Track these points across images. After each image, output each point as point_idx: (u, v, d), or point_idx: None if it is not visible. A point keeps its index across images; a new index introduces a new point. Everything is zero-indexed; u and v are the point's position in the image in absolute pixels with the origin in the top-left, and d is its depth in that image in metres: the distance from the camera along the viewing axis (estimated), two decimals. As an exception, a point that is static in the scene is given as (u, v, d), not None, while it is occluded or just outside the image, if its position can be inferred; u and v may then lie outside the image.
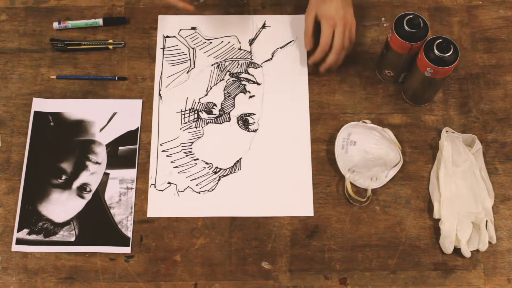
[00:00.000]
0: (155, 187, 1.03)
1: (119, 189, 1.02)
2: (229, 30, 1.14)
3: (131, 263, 0.98)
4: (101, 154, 1.04)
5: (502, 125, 1.07)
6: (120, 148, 1.05)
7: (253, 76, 1.11)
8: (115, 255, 0.99)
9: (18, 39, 1.13)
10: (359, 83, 1.10)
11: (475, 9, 1.16)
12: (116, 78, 1.10)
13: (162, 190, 1.03)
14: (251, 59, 1.12)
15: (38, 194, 1.02)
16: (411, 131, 1.07)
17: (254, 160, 1.05)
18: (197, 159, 1.05)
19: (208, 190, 1.03)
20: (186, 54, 1.12)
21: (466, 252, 0.97)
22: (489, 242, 0.98)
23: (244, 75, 1.11)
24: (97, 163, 1.04)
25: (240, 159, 1.05)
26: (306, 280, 0.97)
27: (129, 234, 1.00)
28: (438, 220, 1.00)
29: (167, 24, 1.14)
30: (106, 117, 1.07)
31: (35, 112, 1.07)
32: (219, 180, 1.03)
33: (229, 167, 1.04)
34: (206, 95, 1.09)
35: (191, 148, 1.05)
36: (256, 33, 1.14)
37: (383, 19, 1.15)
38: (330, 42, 1.05)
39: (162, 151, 1.05)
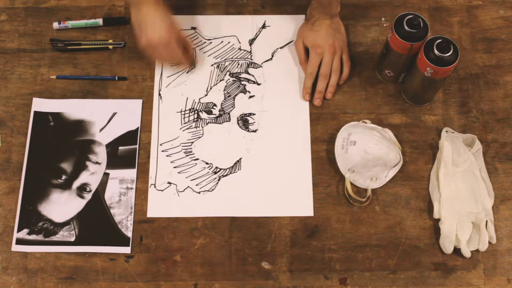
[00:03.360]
0: (155, 187, 1.03)
1: (119, 189, 1.02)
2: (229, 30, 1.14)
3: (131, 263, 0.98)
4: (101, 154, 1.04)
5: (502, 125, 1.07)
6: (120, 148, 1.05)
7: (253, 76, 1.11)
8: (115, 255, 0.99)
9: (18, 39, 1.13)
10: (359, 83, 1.10)
11: (475, 9, 1.16)
12: (116, 78, 1.10)
13: (162, 190, 1.03)
14: (251, 59, 1.12)
15: (38, 194, 1.02)
16: (411, 131, 1.07)
17: (254, 160, 1.05)
18: (197, 159, 1.05)
19: (208, 190, 1.03)
20: (186, 54, 1.12)
21: (466, 252, 0.97)
22: (489, 242, 0.98)
23: (244, 75, 1.11)
24: (97, 163, 1.04)
25: (240, 159, 1.05)
26: (306, 280, 0.97)
27: (129, 234, 1.00)
28: (438, 220, 1.00)
29: (167, 24, 1.14)
30: (106, 117, 1.07)
31: (35, 112, 1.07)
32: (219, 180, 1.03)
33: (229, 167, 1.04)
34: (206, 95, 1.09)
35: (191, 148, 1.05)
36: (256, 33, 1.14)
37: (383, 19, 1.15)
38: (316, 70, 1.08)
39: (162, 151, 1.05)
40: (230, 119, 1.08)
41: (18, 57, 1.12)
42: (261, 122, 1.07)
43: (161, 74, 1.11)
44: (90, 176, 1.03)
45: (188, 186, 1.03)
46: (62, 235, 1.00)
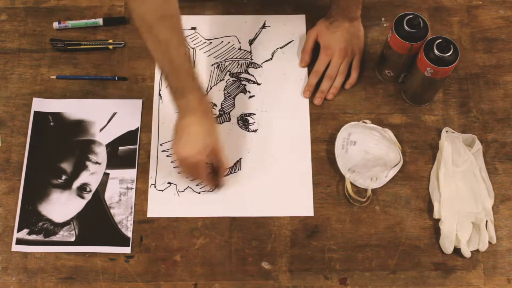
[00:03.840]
0: (155, 187, 1.03)
1: (119, 189, 1.02)
2: (229, 30, 1.14)
3: (131, 263, 0.98)
4: (101, 154, 1.04)
5: (502, 125, 1.07)
6: (120, 148, 1.05)
7: (253, 76, 1.11)
8: (115, 255, 0.99)
9: (18, 39, 1.13)
10: (359, 83, 1.10)
11: (475, 9, 1.16)
12: (116, 78, 1.10)
13: (162, 190, 1.03)
14: (251, 59, 1.12)
15: (38, 194, 1.02)
16: (411, 131, 1.07)
17: (254, 160, 1.05)
18: (197, 159, 1.05)
19: (208, 190, 1.03)
20: (186, 54, 1.12)
21: (466, 252, 0.97)
22: (489, 242, 0.98)
23: (244, 75, 1.11)
24: (97, 163, 1.04)
25: (240, 159, 1.05)
26: (306, 280, 0.97)
27: (129, 234, 1.00)
28: (438, 220, 1.00)
29: (167, 24, 1.14)
30: (106, 117, 1.07)
31: (35, 112, 1.07)
32: (219, 180, 1.03)
33: (229, 167, 1.04)
34: (206, 95, 1.09)
35: (191, 148, 1.05)
36: (256, 33, 1.14)
37: (383, 19, 1.15)
38: (322, 69, 1.08)
39: (162, 151, 1.05)
40: (230, 119, 1.08)
41: (18, 57, 1.12)
42: (261, 122, 1.07)
43: (161, 74, 1.10)
44: (90, 176, 1.03)
45: (188, 186, 1.03)
46: (62, 235, 1.00)
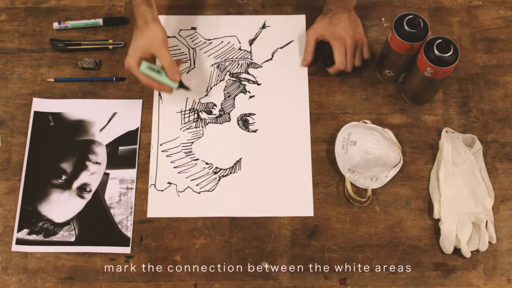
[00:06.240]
0: (155, 187, 1.03)
1: (119, 189, 1.02)
2: (229, 30, 1.14)
3: (131, 263, 0.98)
4: (101, 154, 1.04)
5: (502, 125, 1.07)
6: (120, 148, 1.05)
7: (253, 76, 1.11)
8: (115, 255, 0.99)
9: (18, 39, 1.13)
10: (359, 83, 1.10)
11: (475, 9, 1.16)
12: (114, 79, 1.10)
13: (162, 190, 1.03)
14: (251, 59, 1.12)
15: (38, 194, 1.02)
16: (411, 131, 1.07)
17: (254, 160, 1.05)
18: (197, 159, 1.05)
19: (208, 190, 1.03)
20: (186, 54, 1.12)
21: (466, 252, 0.97)
22: (489, 242, 0.98)
23: (244, 75, 1.11)
24: (97, 163, 1.04)
25: (240, 159, 1.05)
26: (306, 280, 0.97)
27: (129, 234, 1.00)
28: (438, 220, 1.00)
29: (167, 24, 1.14)
30: (106, 117, 1.07)
31: (35, 112, 1.07)
32: (219, 180, 1.03)
33: (229, 167, 1.04)
34: (206, 95, 1.09)
35: (191, 148, 1.05)
36: (256, 33, 1.14)
37: (383, 19, 1.15)
38: (345, 61, 1.07)
39: (162, 151, 1.05)
40: (230, 119, 1.08)
41: (18, 57, 1.12)
42: (261, 122, 1.07)
43: None
44: (90, 176, 1.03)
45: (188, 186, 1.03)
46: (62, 235, 1.00)
